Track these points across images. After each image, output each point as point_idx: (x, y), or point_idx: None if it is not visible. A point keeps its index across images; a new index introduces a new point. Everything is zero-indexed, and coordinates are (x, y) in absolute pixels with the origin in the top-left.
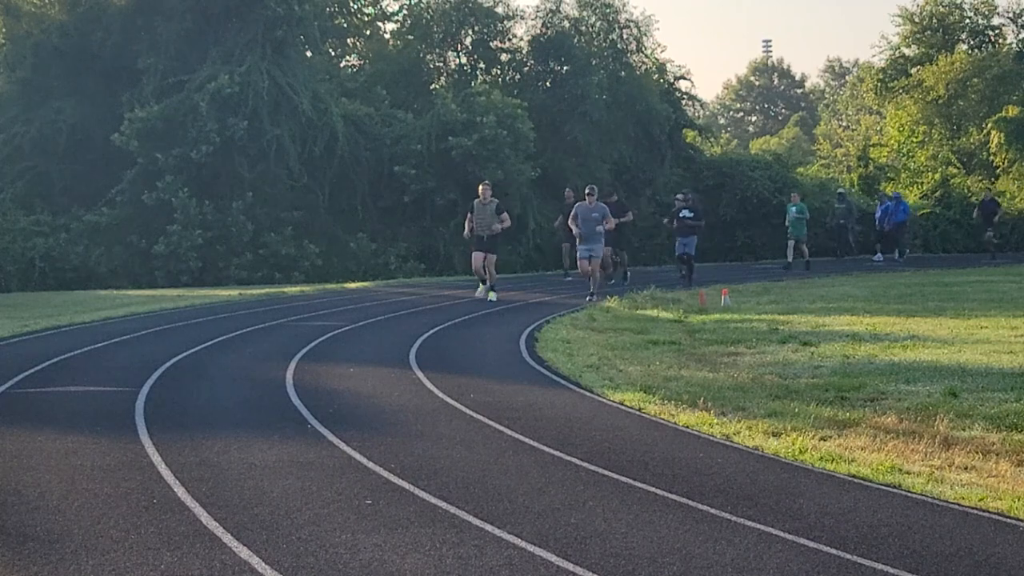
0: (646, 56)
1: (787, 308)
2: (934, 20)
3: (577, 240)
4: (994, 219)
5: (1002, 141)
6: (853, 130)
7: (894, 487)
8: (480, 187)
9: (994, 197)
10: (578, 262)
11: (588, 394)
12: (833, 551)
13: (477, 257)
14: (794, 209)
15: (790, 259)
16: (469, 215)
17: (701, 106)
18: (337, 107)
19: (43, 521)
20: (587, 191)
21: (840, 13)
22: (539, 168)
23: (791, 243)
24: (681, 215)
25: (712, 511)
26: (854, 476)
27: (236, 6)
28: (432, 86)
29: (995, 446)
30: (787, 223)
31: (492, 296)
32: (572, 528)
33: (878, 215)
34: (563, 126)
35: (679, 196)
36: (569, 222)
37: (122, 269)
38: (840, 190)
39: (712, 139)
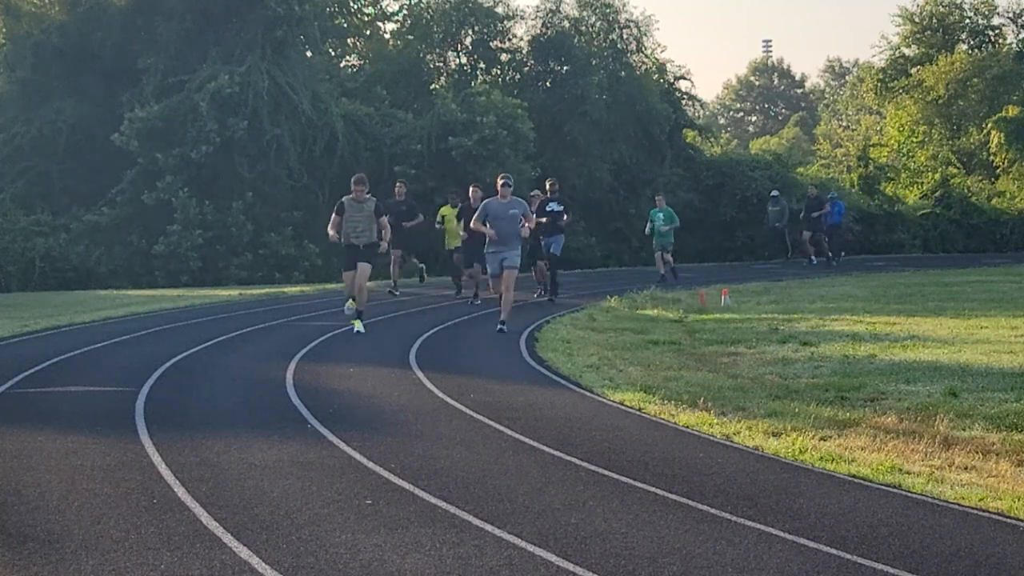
0: (646, 56)
1: (787, 308)
2: (934, 20)
3: (486, 246)
4: (812, 215)
5: (1002, 141)
6: (853, 130)
7: (894, 487)
8: (353, 181)
9: (819, 194)
10: (488, 278)
11: (588, 394)
12: (833, 551)
13: (350, 277)
14: (660, 216)
15: (662, 271)
16: (335, 217)
17: (701, 106)
18: (337, 107)
19: (43, 521)
20: (501, 182)
21: (840, 13)
22: (539, 168)
23: (658, 254)
24: (548, 208)
25: (712, 511)
26: (854, 476)
27: (236, 6)
28: (432, 86)
29: (995, 446)
30: (651, 231)
31: (359, 326)
32: (572, 528)
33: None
34: (563, 126)
35: (546, 188)
36: (473, 223)
37: (122, 269)
38: (774, 192)
39: (712, 139)
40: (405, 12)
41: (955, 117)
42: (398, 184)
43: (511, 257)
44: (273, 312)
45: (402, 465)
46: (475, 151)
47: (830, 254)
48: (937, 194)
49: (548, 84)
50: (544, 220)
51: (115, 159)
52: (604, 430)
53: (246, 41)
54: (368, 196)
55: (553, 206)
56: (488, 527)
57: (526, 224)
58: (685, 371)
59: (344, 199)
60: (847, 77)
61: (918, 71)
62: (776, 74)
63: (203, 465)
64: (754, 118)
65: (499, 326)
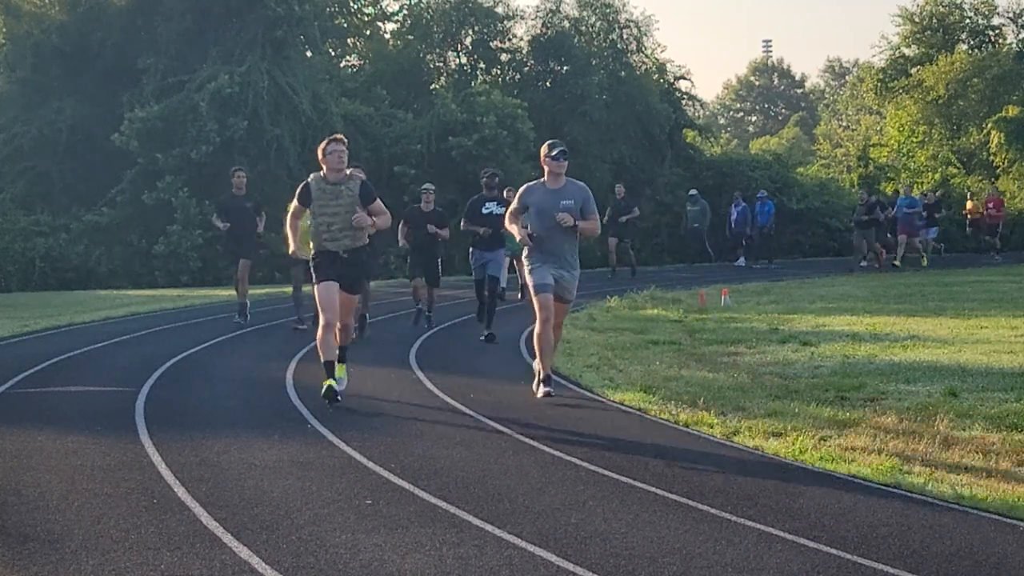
0: (646, 56)
1: (787, 308)
2: (934, 20)
3: (523, 254)
4: (621, 219)
5: (1002, 141)
6: (853, 130)
7: (894, 487)
8: (325, 143)
9: (627, 196)
10: (535, 301)
11: (588, 394)
12: (833, 551)
13: (328, 296)
14: None
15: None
16: (296, 206)
17: (701, 106)
18: (337, 107)
19: (43, 521)
20: (553, 152)
21: (840, 13)
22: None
23: (519, 264)
24: (485, 210)
25: (712, 511)
26: (854, 476)
27: (236, 6)
28: (432, 86)
29: (995, 446)
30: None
31: (341, 376)
32: (572, 528)
33: (733, 218)
34: (563, 126)
35: (483, 179)
36: (508, 220)
37: (122, 269)
38: (692, 192)
39: (712, 139)
40: (405, 12)
41: (955, 117)
42: (237, 173)
43: (570, 279)
44: (273, 312)
45: (402, 465)
46: (475, 151)
47: (750, 258)
48: (937, 194)
49: (548, 84)
50: (480, 228)
51: (115, 159)
52: (604, 430)
53: (246, 41)
54: (350, 173)
55: (492, 207)
56: (488, 527)
57: (577, 223)
58: (685, 371)
59: (310, 180)
60: (847, 77)
61: (918, 71)
62: (776, 74)
63: (203, 465)
64: (754, 118)
65: (544, 388)
